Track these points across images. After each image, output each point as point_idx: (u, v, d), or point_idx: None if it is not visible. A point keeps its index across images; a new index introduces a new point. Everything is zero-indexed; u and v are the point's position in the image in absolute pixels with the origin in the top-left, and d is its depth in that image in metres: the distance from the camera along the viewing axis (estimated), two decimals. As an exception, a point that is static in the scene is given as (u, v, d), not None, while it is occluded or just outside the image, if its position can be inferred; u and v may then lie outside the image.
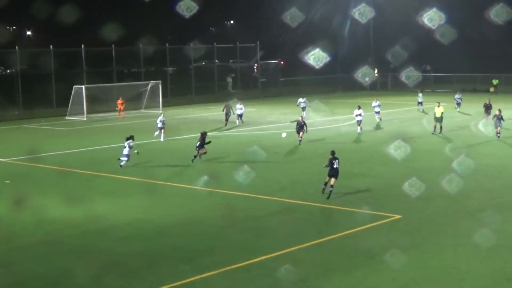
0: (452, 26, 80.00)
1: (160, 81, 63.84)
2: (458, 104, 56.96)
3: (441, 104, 43.76)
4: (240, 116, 49.40)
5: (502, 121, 40.10)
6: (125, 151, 32.19)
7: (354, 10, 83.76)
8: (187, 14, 67.31)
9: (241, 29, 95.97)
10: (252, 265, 18.39)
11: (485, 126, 43.34)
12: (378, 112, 48.99)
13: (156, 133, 41.60)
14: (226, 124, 48.66)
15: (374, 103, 49.51)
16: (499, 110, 40.54)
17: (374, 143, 39.35)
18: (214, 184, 28.63)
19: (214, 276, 17.62)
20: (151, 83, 63.97)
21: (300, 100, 53.35)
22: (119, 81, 64.95)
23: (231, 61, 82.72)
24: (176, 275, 17.60)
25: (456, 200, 25.18)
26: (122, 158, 32.14)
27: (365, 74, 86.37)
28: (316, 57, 77.51)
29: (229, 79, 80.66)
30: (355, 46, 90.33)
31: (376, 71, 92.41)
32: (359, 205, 24.60)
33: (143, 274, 17.96)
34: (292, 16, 74.64)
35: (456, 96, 57.79)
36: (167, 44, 71.15)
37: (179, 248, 20.25)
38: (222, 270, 17.97)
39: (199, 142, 32.99)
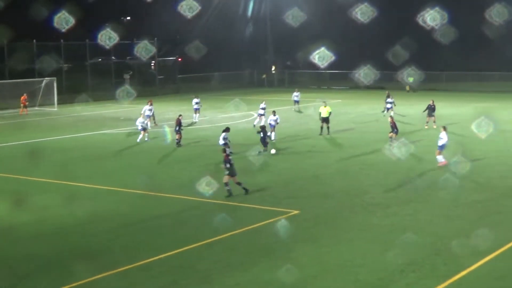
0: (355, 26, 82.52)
1: (55, 78, 62.43)
2: (388, 109, 49.67)
3: (327, 103, 43.17)
4: (149, 116, 45.53)
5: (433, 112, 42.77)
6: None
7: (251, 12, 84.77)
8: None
9: (137, 25, 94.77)
10: (153, 263, 18.32)
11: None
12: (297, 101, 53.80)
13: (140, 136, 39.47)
14: (155, 124, 47.21)
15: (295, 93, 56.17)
16: (432, 100, 43.51)
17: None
18: (114, 183, 28.36)
19: (113, 275, 17.43)
20: (46, 80, 62.46)
21: (195, 100, 50.46)
22: (12, 78, 63.06)
23: (128, 57, 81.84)
24: (72, 276, 17.24)
25: (352, 195, 25.86)
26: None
27: (264, 71, 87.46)
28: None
29: (127, 76, 79.72)
30: (256, 44, 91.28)
31: (273, 68, 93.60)
32: (257, 201, 24.91)
33: (34, 276, 17.54)
34: (190, 7, 73.36)
35: (388, 100, 49.89)
36: (61, 41, 69.59)
37: (77, 248, 19.94)
38: (121, 269, 17.81)
39: (177, 127, 36.90)
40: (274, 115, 39.44)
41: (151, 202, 25.51)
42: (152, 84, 79.70)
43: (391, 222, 22.03)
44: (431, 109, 44.12)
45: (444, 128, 31.37)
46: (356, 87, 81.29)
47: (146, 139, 39.32)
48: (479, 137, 38.70)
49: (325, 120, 41.33)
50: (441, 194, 25.73)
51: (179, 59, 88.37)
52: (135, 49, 77.44)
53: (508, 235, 20.11)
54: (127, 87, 70.54)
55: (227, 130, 33.86)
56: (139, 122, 39.76)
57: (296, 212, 23.35)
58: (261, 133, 34.86)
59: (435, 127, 42.24)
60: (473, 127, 40.78)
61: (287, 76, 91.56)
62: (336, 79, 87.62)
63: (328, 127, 41.52)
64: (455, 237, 20.11)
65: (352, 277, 17.21)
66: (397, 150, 34.52)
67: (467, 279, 16.84)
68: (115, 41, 72.86)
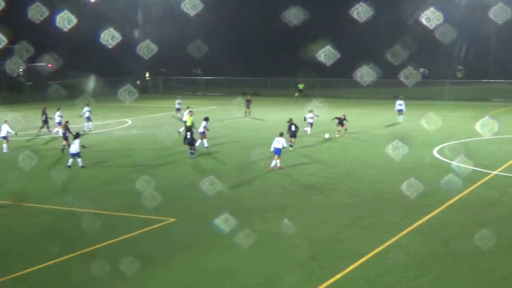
0: (227, 31, 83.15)
1: None
2: (310, 124, 45.42)
3: (191, 110, 42.75)
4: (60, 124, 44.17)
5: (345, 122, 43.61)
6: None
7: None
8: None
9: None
10: (25, 275, 17.66)
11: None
12: (179, 109, 52.05)
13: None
14: (41, 129, 45.75)
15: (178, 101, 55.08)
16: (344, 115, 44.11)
17: (143, 147, 39.47)
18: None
19: (-18, 290, 16.69)
20: None
21: (86, 109, 48.50)
22: None
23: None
24: None
25: (231, 201, 26.00)
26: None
27: (137, 77, 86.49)
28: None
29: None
30: (126, 49, 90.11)
31: (147, 75, 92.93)
32: (133, 210, 24.54)
33: None
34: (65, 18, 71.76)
35: (308, 115, 45.60)
36: None
37: None
38: (-9, 283, 17.08)
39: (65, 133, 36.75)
40: (206, 121, 38.53)
41: (23, 212, 24.60)
42: (21, 91, 76.96)
43: (269, 227, 22.26)
44: (340, 120, 44.01)
45: (281, 134, 32.98)
46: (231, 93, 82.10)
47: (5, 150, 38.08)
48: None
49: (188, 129, 38.99)
50: (316, 199, 26.30)
51: (49, 65, 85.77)
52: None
53: (379, 238, 20.80)
54: None
55: (206, 119, 38.35)
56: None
57: (172, 220, 23.16)
58: (188, 133, 34.85)
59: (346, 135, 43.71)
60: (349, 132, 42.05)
61: (161, 83, 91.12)
62: (211, 85, 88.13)
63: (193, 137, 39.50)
64: (330, 241, 20.63)
65: (231, 283, 17.26)
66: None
67: (341, 282, 17.28)
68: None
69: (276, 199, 26.30)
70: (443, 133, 45.55)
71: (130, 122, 53.85)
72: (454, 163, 33.48)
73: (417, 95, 75.56)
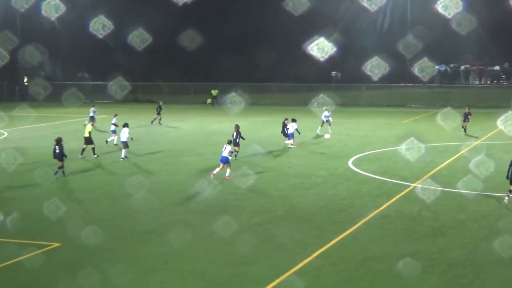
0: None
1: None
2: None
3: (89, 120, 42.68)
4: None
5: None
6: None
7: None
8: None
9: None
10: None
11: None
12: (92, 118, 48.93)
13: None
14: None
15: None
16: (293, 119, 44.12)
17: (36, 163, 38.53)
18: None
19: None
20: None
21: None
22: None
23: None
24: None
25: (120, 222, 25.57)
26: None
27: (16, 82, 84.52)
28: None
29: None
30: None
31: (25, 80, 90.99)
32: (12, 234, 23.79)
33: None
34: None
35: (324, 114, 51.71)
36: None
37: None
38: None
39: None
40: (126, 127, 39.63)
41: None
42: None
43: (167, 250, 21.99)
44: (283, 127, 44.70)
45: (229, 142, 33.89)
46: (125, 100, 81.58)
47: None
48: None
49: (88, 140, 39.89)
50: (221, 218, 26.14)
51: None
52: None
53: (290, 260, 20.79)
54: None
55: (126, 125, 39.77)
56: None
57: (57, 244, 22.55)
58: (57, 146, 33.51)
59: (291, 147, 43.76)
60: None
61: (42, 88, 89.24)
62: (98, 91, 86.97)
63: (93, 148, 40.18)
64: (237, 265, 20.52)
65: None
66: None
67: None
68: None
69: (175, 219, 26.03)
70: (359, 142, 46.44)
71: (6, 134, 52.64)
72: (370, 175, 34.09)
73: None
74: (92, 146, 40.19)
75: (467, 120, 51.27)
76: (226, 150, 33.07)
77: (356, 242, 22.93)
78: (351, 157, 39.96)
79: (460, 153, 41.58)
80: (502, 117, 56.04)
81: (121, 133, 39.62)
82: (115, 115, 47.62)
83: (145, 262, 20.66)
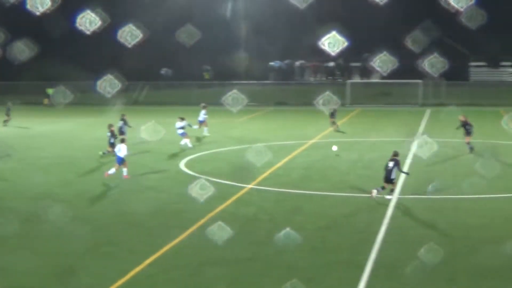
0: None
1: None
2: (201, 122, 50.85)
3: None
4: None
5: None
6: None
7: None
8: None
9: None
10: None
11: None
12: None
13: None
14: None
15: None
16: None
17: None
18: None
19: None
20: None
21: None
22: None
23: None
24: None
25: None
26: None
27: None
28: None
29: None
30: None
31: None
32: None
33: None
34: None
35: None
36: None
37: None
38: None
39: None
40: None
41: None
42: None
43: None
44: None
45: (122, 140, 34.73)
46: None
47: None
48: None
49: None
50: (44, 228, 25.65)
51: None
52: None
53: (121, 268, 20.80)
54: None
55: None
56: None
57: None
58: None
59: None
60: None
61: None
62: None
63: None
64: (62, 275, 20.37)
65: None
66: None
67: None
68: None
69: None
70: (191, 141, 46.73)
71: None
72: (204, 177, 34.51)
73: (161, 100, 76.97)
74: None
75: (334, 117, 53.41)
76: (121, 150, 33.65)
77: (190, 247, 23.21)
78: (184, 159, 40.22)
79: (295, 152, 42.80)
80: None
81: None
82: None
83: None
